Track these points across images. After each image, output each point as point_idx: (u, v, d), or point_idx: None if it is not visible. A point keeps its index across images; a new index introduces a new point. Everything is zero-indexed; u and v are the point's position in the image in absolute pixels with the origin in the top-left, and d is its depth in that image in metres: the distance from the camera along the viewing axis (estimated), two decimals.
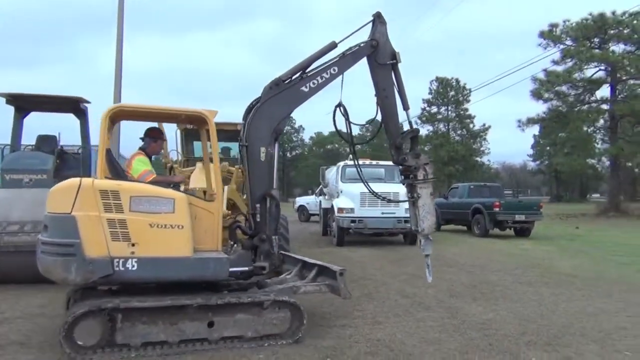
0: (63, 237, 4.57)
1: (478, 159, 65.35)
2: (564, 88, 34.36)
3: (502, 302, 7.22)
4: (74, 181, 4.75)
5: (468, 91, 61.75)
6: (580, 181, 78.18)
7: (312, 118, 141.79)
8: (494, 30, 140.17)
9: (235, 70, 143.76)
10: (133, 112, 5.55)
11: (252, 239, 5.46)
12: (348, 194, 14.61)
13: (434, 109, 65.12)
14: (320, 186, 19.78)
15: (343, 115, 6.18)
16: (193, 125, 6.95)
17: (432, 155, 60.27)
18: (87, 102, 10.38)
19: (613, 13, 32.27)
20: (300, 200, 27.98)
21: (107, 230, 4.62)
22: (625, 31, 32.31)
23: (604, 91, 34.75)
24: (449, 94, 64.76)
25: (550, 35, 33.86)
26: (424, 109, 65.22)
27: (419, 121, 63.55)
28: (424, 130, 66.33)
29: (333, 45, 5.86)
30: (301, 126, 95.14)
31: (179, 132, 10.89)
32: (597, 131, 38.60)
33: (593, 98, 35.30)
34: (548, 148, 66.89)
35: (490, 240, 16.77)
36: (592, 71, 33.93)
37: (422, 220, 6.07)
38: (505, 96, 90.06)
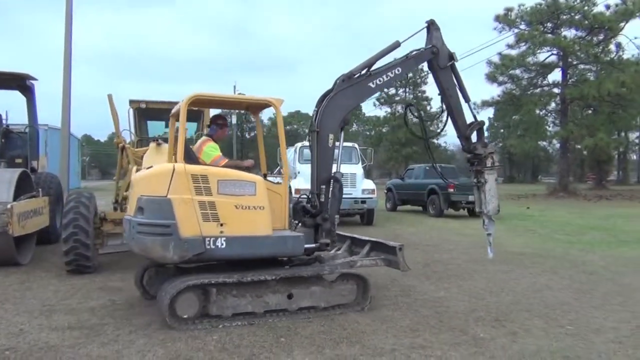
0: (161, 219, 4.88)
1: (435, 141, 66.30)
2: (517, 72, 35.19)
3: (454, 280, 7.41)
4: (167, 166, 5.09)
5: (425, 73, 62.30)
6: (532, 163, 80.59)
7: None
8: (451, 12, 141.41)
9: (193, 50, 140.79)
10: (207, 100, 6.15)
11: (315, 218, 5.85)
12: (305, 175, 14.61)
13: (392, 91, 65.52)
14: (278, 168, 19.70)
15: (412, 114, 6.58)
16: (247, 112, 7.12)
17: (389, 137, 61.03)
18: (34, 79, 9.99)
19: None
20: None
21: (198, 211, 4.96)
22: (576, 17, 33.16)
23: (556, 75, 35.79)
24: (407, 75, 65.19)
25: (505, 19, 34.44)
26: (382, 91, 65.57)
27: (377, 102, 64.02)
28: (382, 112, 66.93)
29: (396, 45, 6.37)
30: None
31: (131, 111, 10.60)
32: (549, 114, 39.73)
33: (545, 82, 36.33)
34: (502, 130, 68.60)
35: (444, 220, 17.14)
36: (544, 55, 34.86)
37: (488, 202, 6.88)
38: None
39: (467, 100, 6.83)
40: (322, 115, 5.86)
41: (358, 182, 15.21)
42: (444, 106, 6.78)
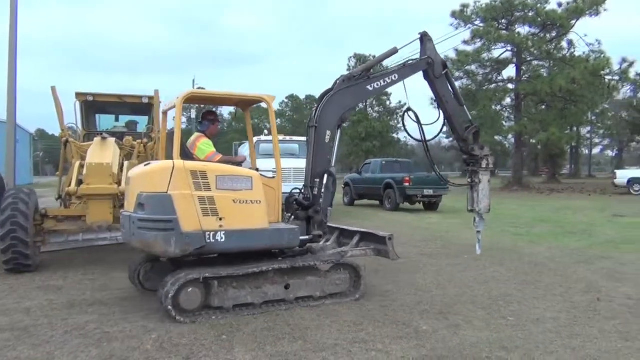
0: (162, 214, 4.98)
1: (394, 135, 66.98)
2: (473, 67, 35.78)
3: (403, 273, 7.45)
4: (167, 163, 5.19)
5: (384, 68, 62.83)
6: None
7: None
8: (411, 6, 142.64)
9: (151, 42, 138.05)
10: (203, 97, 6.45)
11: (307, 211, 6.05)
12: (264, 171, 14.48)
13: None
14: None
15: (412, 119, 7.32)
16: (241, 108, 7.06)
17: (350, 132, 61.23)
18: None
19: None
20: None
21: (198, 206, 5.09)
22: (530, 14, 33.93)
23: (510, 71, 36.56)
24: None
25: (461, 16, 34.94)
26: (379, 94, 65.80)
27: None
28: None
29: (394, 51, 6.78)
30: None
31: (78, 104, 10.26)
32: (504, 109, 40.56)
33: (500, 78, 37.12)
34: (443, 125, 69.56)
35: (400, 214, 17.28)
36: (499, 52, 35.51)
37: (480, 201, 7.39)
38: (420, 74, 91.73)
39: (461, 104, 7.25)
40: (322, 112, 6.12)
41: None
42: (441, 112, 7.20)
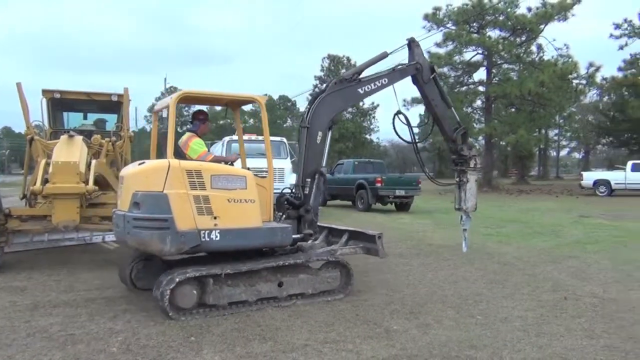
0: (158, 213, 5.00)
1: (367, 136, 67.25)
2: (445, 69, 36.09)
3: (375, 273, 7.46)
4: (163, 162, 5.21)
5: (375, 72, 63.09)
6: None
7: None
8: (385, 7, 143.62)
9: (115, 40, 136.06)
10: (196, 97, 6.33)
11: (298, 210, 6.17)
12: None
13: (324, 86, 65.91)
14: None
15: (402, 121, 7.55)
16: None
17: None
18: None
19: (490, 0, 34.27)
20: None
21: (193, 205, 5.13)
22: (500, 18, 34.42)
23: (481, 74, 37.05)
24: (340, 71, 65.70)
25: (433, 18, 35.24)
26: (315, 86, 65.73)
27: (309, 97, 64.02)
28: None
29: (384, 55, 7.02)
30: None
31: (44, 101, 10.04)
32: (475, 111, 41.12)
33: (471, 80, 37.54)
34: (432, 127, 70.25)
35: (372, 214, 17.36)
36: (470, 54, 35.94)
37: (467, 200, 7.63)
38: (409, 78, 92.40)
39: (449, 106, 7.47)
40: (314, 113, 6.24)
41: (286, 177, 15.11)
42: (431, 115, 7.42)
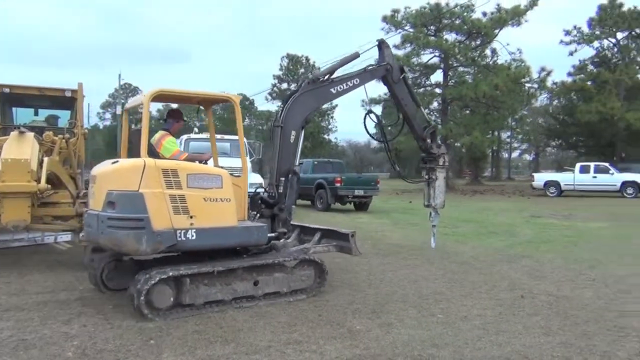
0: (133, 212, 4.95)
1: (325, 136, 67.48)
2: None
3: (336, 273, 7.44)
4: (138, 161, 5.14)
5: (317, 69, 63.18)
6: (416, 159, 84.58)
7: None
8: (344, 8, 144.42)
9: (75, 35, 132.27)
10: (170, 95, 6.20)
11: (272, 208, 6.20)
12: None
13: (284, 86, 65.76)
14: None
15: (373, 120, 7.87)
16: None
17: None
18: None
19: (447, 4, 34.99)
20: None
21: (169, 204, 5.10)
22: (457, 22, 35.18)
23: (438, 76, 37.72)
24: (299, 71, 65.72)
25: (392, 20, 35.69)
26: (274, 85, 65.66)
27: (268, 97, 63.85)
28: (274, 107, 66.84)
29: (356, 55, 7.10)
30: None
31: None
32: (431, 113, 41.83)
33: (428, 82, 38.19)
34: (389, 128, 71.09)
35: (331, 214, 17.41)
36: (428, 57, 36.55)
37: (437, 197, 7.81)
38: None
39: (418, 105, 7.66)
40: (287, 113, 6.31)
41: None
42: (401, 114, 7.58)
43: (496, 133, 53.26)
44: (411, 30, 35.62)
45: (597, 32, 40.41)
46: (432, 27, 36.18)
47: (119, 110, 59.35)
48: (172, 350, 4.28)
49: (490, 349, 4.47)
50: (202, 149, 15.56)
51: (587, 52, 42.66)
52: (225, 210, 5.48)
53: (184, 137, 16.15)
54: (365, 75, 7.13)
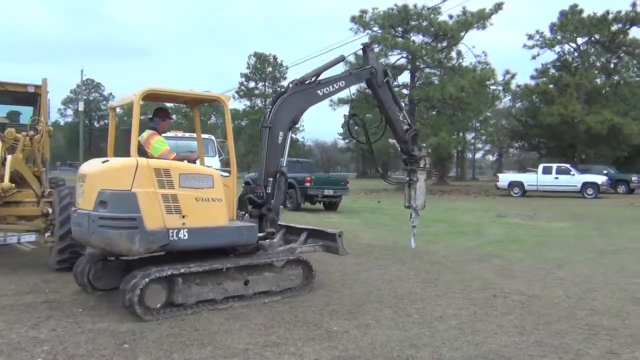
0: (126, 212, 4.93)
1: (293, 135, 67.28)
2: None
3: None
4: (131, 160, 5.14)
5: (285, 68, 63.09)
6: (383, 159, 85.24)
7: (125, 87, 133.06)
8: (313, 8, 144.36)
9: (29, 29, 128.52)
10: (160, 94, 6.13)
11: (260, 209, 6.23)
12: None
13: (252, 84, 65.40)
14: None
15: (357, 123, 8.22)
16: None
17: (248, 130, 60.75)
18: None
19: (415, 6, 35.35)
20: None
21: (162, 204, 5.09)
22: (424, 23, 35.58)
23: (405, 77, 38.08)
24: (266, 69, 65.44)
25: (360, 21, 35.87)
26: (241, 84, 65.17)
27: (236, 95, 63.34)
28: (242, 105, 66.38)
29: (341, 59, 7.33)
30: (111, 94, 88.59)
31: None
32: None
33: (396, 83, 38.42)
34: (357, 128, 71.46)
35: (300, 214, 17.34)
36: (395, 58, 36.84)
37: (417, 198, 7.93)
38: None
39: (400, 109, 7.84)
40: (275, 114, 6.35)
41: None
42: (384, 117, 7.70)
43: (461, 134, 54.15)
44: (379, 31, 35.86)
45: (559, 37, 41.61)
46: (399, 28, 36.52)
47: (81, 106, 57.92)
48: (147, 355, 4.17)
49: (467, 348, 4.50)
50: (178, 148, 15.42)
51: (549, 56, 43.95)
52: (216, 210, 5.51)
53: None
54: (350, 78, 7.26)
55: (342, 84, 7.05)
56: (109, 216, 4.96)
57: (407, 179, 8.09)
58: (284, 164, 6.45)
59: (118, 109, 7.06)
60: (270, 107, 6.58)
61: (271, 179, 6.34)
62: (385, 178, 10.08)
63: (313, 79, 6.72)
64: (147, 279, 4.97)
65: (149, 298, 5.03)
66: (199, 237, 5.33)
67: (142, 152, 5.76)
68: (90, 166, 5.66)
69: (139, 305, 4.93)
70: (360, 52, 8.03)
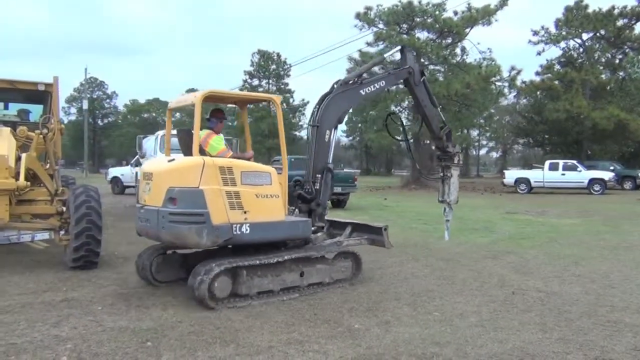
0: (195, 208, 5.26)
1: (297, 133, 67.30)
2: (376, 69, 36.65)
3: None
4: (198, 159, 5.45)
5: (289, 66, 63.02)
6: (386, 156, 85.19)
7: (127, 84, 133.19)
8: (316, 6, 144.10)
9: (27, 27, 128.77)
10: (220, 96, 6.64)
11: (309, 204, 6.49)
12: None
13: (255, 82, 65.31)
14: (137, 156, 18.64)
15: (395, 122, 8.73)
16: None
17: (252, 128, 60.71)
18: None
19: (419, 2, 35.19)
20: (114, 171, 26.07)
21: (226, 200, 5.40)
22: (428, 20, 35.42)
23: None
24: (270, 67, 65.35)
25: (365, 18, 35.72)
26: (245, 81, 65.08)
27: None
28: None
29: (382, 59, 9.13)
30: (114, 92, 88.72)
31: None
32: (403, 111, 42.12)
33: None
34: (360, 125, 71.44)
35: None
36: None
37: (451, 193, 8.17)
38: (324, 73, 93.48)
39: (436, 106, 8.00)
40: (323, 113, 6.58)
41: None
42: (420, 114, 7.93)
43: (466, 130, 54.00)
44: (384, 28, 35.74)
45: (564, 33, 41.37)
46: (404, 25, 36.35)
47: (85, 105, 58.02)
48: (171, 352, 4.15)
49: (491, 346, 4.47)
50: (176, 144, 15.40)
51: (554, 52, 43.76)
52: (274, 206, 5.82)
53: (160, 133, 15.86)
54: (390, 78, 7.50)
55: (383, 83, 7.28)
56: (179, 212, 5.27)
57: (441, 174, 8.31)
58: (330, 161, 6.71)
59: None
60: (316, 107, 6.77)
61: (319, 176, 6.56)
62: (423, 175, 10.49)
63: (356, 79, 6.93)
64: (217, 270, 5.31)
65: (218, 288, 5.35)
66: (259, 232, 5.62)
67: (200, 150, 5.96)
68: (156, 165, 6.02)
69: (208, 295, 5.25)
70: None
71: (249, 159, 6.40)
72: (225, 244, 5.53)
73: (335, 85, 6.84)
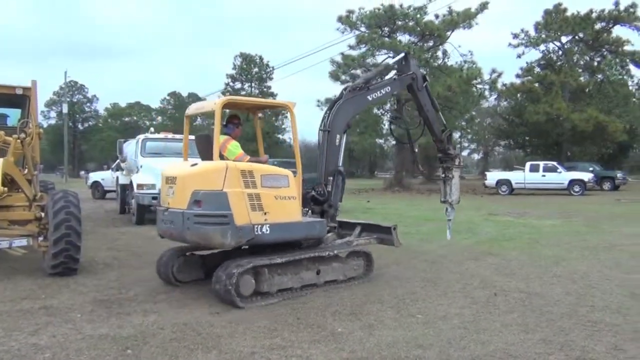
0: (219, 210, 5.51)
1: (280, 136, 67.26)
2: (358, 71, 36.77)
3: None
4: (221, 163, 5.74)
5: (271, 69, 62.96)
6: (369, 159, 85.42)
7: (108, 87, 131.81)
8: (301, 8, 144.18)
9: (14, 28, 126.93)
10: (238, 103, 7.11)
11: (322, 205, 6.76)
12: (148, 169, 13.69)
13: (238, 85, 65.14)
14: (118, 161, 18.48)
15: (399, 126, 8.55)
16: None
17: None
18: None
19: (401, 6, 35.43)
20: (95, 176, 25.79)
21: (247, 202, 5.67)
22: (410, 23, 35.63)
23: None
24: (252, 70, 65.24)
25: (347, 21, 35.82)
26: (227, 84, 64.90)
27: (221, 96, 63.07)
28: None
29: (388, 66, 8.43)
30: (95, 96, 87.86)
31: None
32: (385, 113, 42.28)
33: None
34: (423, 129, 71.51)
35: None
36: (382, 57, 36.82)
37: (453, 193, 8.42)
38: (306, 76, 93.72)
39: (437, 110, 8.29)
40: (333, 118, 6.80)
41: None
42: (422, 118, 8.20)
43: None
44: (366, 31, 35.87)
45: (543, 36, 41.97)
46: (386, 28, 36.52)
47: (65, 109, 57.24)
48: None
49: (474, 348, 4.48)
50: (158, 148, 15.31)
51: (534, 54, 44.28)
52: (292, 207, 6.08)
53: (140, 137, 15.75)
54: (395, 84, 7.76)
55: (388, 89, 7.58)
56: (204, 214, 5.51)
57: (443, 175, 8.54)
58: (341, 164, 6.94)
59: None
60: (327, 112, 6.97)
61: (331, 178, 6.80)
62: (424, 175, 10.57)
63: (364, 85, 7.16)
64: (241, 269, 5.55)
65: (243, 287, 5.60)
66: (279, 232, 5.89)
67: (221, 156, 6.19)
68: (180, 169, 6.26)
69: (235, 293, 5.50)
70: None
71: (264, 163, 6.55)
72: (248, 244, 5.77)
73: (344, 92, 7.08)
